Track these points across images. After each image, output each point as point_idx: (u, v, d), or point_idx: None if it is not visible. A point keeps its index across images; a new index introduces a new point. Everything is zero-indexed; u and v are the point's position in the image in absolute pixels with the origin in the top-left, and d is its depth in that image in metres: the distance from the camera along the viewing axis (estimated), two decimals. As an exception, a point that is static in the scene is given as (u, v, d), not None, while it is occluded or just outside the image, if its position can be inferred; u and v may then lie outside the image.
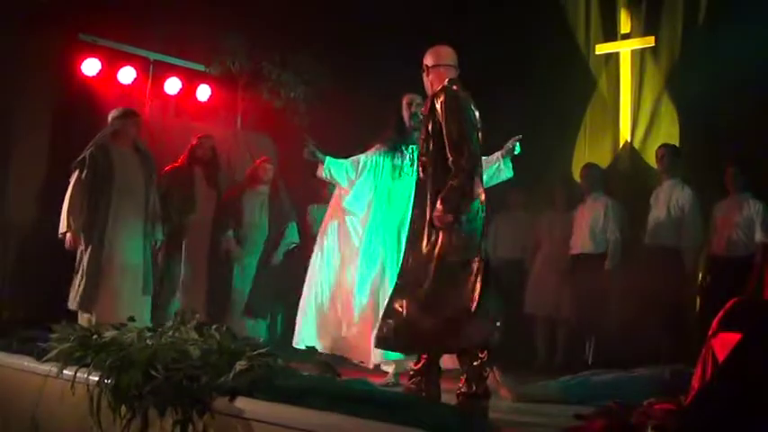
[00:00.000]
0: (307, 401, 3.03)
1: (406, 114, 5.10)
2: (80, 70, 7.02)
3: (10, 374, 4.46)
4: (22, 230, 6.58)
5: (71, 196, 5.48)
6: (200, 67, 7.78)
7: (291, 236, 6.60)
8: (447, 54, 4.05)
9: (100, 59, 7.10)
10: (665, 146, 6.33)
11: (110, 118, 5.80)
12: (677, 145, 6.42)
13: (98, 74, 7.10)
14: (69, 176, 5.57)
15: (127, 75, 7.28)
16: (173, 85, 7.59)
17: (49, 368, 4.07)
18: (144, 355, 3.56)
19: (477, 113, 3.91)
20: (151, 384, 3.40)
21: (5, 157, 6.54)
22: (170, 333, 3.94)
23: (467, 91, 3.96)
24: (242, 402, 3.19)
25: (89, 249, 5.44)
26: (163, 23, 7.38)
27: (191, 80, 7.72)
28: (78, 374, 3.82)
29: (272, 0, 7.39)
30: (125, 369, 3.54)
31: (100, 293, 5.41)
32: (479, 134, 3.90)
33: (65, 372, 3.94)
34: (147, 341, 3.81)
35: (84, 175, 5.49)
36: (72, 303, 5.43)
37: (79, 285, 5.42)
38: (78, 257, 5.50)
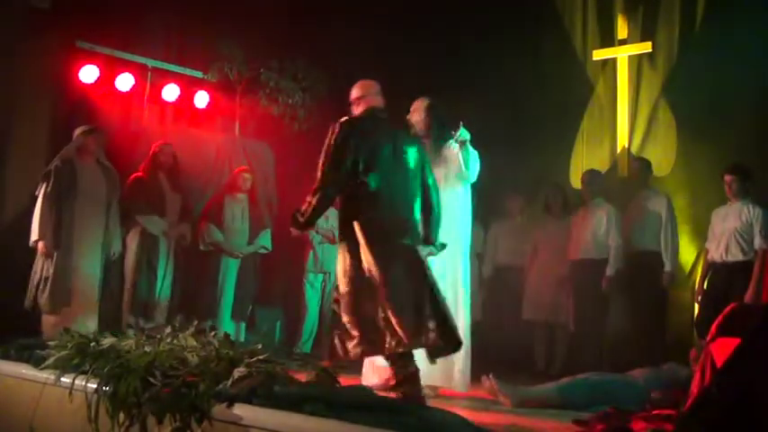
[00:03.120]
0: (306, 408, 3.02)
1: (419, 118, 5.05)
2: (78, 77, 7.02)
3: (8, 382, 4.45)
4: (20, 238, 6.56)
5: (41, 207, 5.82)
6: (199, 74, 7.78)
7: (263, 241, 6.86)
8: (360, 87, 4.46)
9: (98, 66, 7.10)
10: (637, 160, 6.62)
11: (75, 134, 6.09)
12: (648, 159, 6.55)
13: (96, 81, 7.10)
14: (37, 189, 5.92)
15: (125, 82, 7.28)
16: (171, 92, 7.59)
17: (46, 376, 4.05)
18: (142, 363, 3.55)
19: (370, 138, 4.17)
20: (149, 391, 3.40)
21: (3, 164, 6.53)
22: (168, 340, 3.93)
23: (377, 117, 4.33)
24: (240, 409, 3.18)
25: (55, 256, 5.77)
26: (161, 30, 7.39)
27: (189, 87, 7.72)
28: (76, 382, 3.81)
29: (270, 7, 7.41)
30: (123, 376, 3.53)
31: (65, 297, 5.76)
32: (366, 156, 4.11)
33: (63, 379, 3.93)
34: (146, 348, 3.80)
35: (49, 187, 5.82)
36: (42, 307, 5.76)
37: (45, 290, 5.74)
38: (42, 264, 5.82)
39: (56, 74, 6.90)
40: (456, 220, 4.81)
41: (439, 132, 4.94)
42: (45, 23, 6.62)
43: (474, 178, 4.90)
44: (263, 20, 7.53)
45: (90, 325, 5.59)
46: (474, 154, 4.86)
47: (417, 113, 4.99)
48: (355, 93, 4.46)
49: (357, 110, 4.46)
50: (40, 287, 5.76)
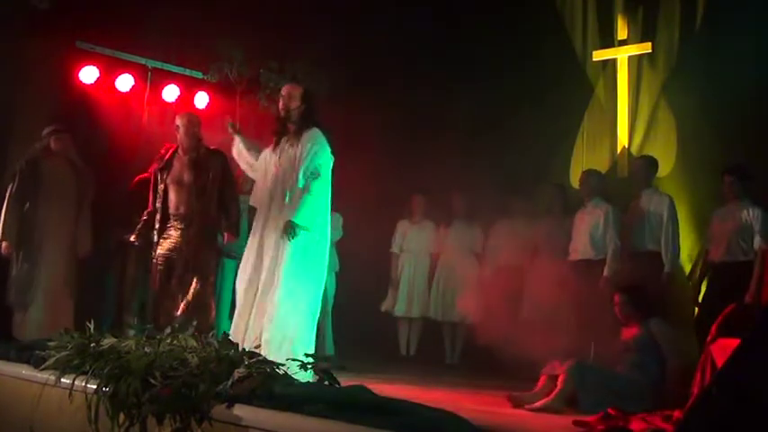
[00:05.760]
0: (306, 409, 3.02)
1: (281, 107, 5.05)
2: (78, 78, 7.02)
3: (8, 383, 4.45)
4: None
5: (5, 208, 5.95)
6: (199, 75, 7.78)
7: None
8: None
9: (98, 67, 7.11)
10: (640, 158, 6.54)
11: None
12: (654, 157, 6.47)
13: (96, 81, 7.11)
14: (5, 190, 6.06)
15: (125, 82, 7.29)
16: (171, 93, 7.60)
17: (46, 376, 4.05)
18: (142, 363, 3.55)
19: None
20: (149, 392, 3.40)
21: (3, 165, 6.53)
22: (168, 341, 3.93)
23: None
24: (240, 410, 3.18)
25: (20, 255, 5.95)
26: (161, 31, 7.39)
27: (189, 87, 7.73)
28: (76, 383, 3.81)
29: (271, 8, 7.41)
30: (123, 377, 3.53)
31: (30, 296, 5.94)
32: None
33: (63, 380, 3.93)
34: (146, 349, 3.80)
35: (14, 187, 5.96)
36: (11, 304, 5.98)
37: (13, 288, 5.95)
38: (12, 263, 6.00)
39: (56, 74, 6.90)
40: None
41: (304, 121, 4.91)
42: (45, 24, 6.62)
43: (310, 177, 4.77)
44: (263, 21, 7.52)
45: (63, 323, 5.54)
46: (316, 156, 4.80)
47: (294, 100, 4.94)
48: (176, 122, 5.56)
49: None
50: (10, 286, 5.95)
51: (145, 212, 5.61)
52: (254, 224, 5.01)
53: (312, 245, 4.75)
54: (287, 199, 4.75)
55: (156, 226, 5.51)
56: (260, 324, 4.62)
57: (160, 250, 5.42)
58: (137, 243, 5.60)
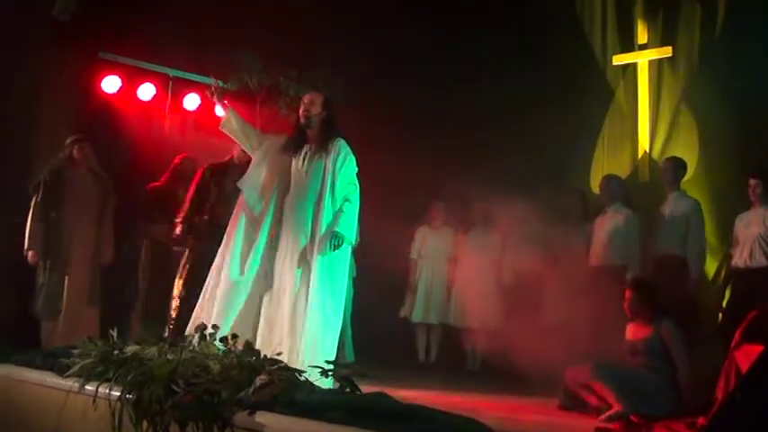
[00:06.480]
0: (327, 416, 3.03)
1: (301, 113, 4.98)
2: (100, 87, 7.10)
3: (32, 390, 4.50)
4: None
5: (31, 217, 6.01)
6: (219, 83, 7.83)
7: None
8: None
9: (120, 77, 7.18)
10: (669, 159, 6.43)
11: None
12: (682, 158, 6.38)
13: (118, 91, 7.19)
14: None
15: (146, 91, 7.36)
16: (192, 101, 7.66)
17: (71, 383, 4.10)
18: (165, 371, 3.58)
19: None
20: (172, 399, 3.42)
21: (26, 174, 6.61)
22: (191, 348, 3.95)
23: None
24: (262, 417, 3.20)
25: (47, 264, 5.99)
26: (182, 40, 7.46)
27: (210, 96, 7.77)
28: (100, 390, 3.85)
29: (290, 16, 7.46)
30: (146, 384, 3.56)
31: (60, 305, 5.99)
32: None
33: (87, 387, 3.97)
34: (168, 356, 3.83)
35: (38, 198, 6.02)
36: (38, 313, 6.02)
37: (40, 298, 5.98)
38: (39, 272, 6.04)
39: (78, 84, 6.98)
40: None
41: (325, 129, 4.88)
42: (67, 35, 6.71)
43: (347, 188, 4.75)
44: (283, 28, 7.57)
45: (88, 331, 5.54)
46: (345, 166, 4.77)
47: (315, 107, 4.91)
48: None
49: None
50: (37, 295, 5.99)
51: (182, 216, 5.64)
52: (261, 224, 4.82)
53: (343, 254, 4.70)
54: (328, 209, 4.65)
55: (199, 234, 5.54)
56: (294, 338, 4.48)
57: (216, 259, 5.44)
58: (179, 244, 5.61)
